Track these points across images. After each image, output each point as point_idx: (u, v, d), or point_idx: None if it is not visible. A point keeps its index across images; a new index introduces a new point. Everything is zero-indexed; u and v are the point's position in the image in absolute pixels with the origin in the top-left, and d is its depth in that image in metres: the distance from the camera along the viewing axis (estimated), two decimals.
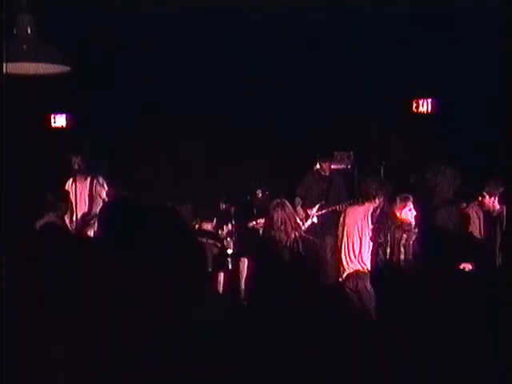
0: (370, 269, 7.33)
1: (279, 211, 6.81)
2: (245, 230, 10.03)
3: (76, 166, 8.71)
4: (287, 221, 6.75)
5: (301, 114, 11.05)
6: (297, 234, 6.72)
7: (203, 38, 10.06)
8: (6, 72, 5.22)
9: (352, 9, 9.04)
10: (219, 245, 9.83)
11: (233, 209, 10.32)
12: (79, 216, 8.58)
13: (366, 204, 7.92)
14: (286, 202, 7.05)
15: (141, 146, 11.22)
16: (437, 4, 8.78)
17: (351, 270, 7.64)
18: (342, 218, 8.09)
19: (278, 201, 7.02)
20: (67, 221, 8.59)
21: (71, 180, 8.79)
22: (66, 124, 11.66)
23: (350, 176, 10.61)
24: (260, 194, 10.52)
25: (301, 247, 6.58)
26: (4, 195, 3.81)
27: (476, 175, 9.20)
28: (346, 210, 8.28)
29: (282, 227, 6.69)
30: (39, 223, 8.18)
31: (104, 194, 8.81)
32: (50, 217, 8.23)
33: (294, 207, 9.70)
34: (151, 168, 11.16)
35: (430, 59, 10.22)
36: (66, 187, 8.84)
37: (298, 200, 10.04)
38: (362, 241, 7.63)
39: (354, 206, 8.20)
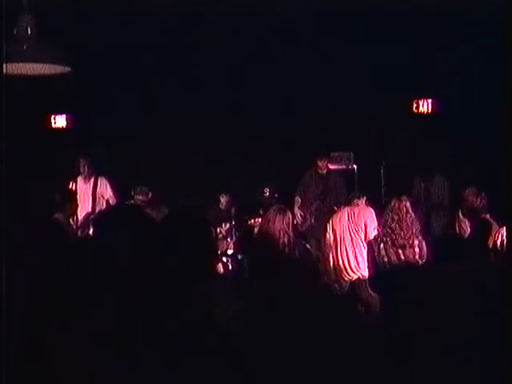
0: (367, 274, 7.40)
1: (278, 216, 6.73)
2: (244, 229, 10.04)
3: (84, 169, 8.78)
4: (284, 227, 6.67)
5: (302, 114, 11.05)
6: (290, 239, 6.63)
7: (204, 39, 10.05)
8: (6, 72, 5.22)
9: (352, 9, 9.04)
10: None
11: (233, 209, 10.31)
12: (82, 216, 8.60)
13: (356, 207, 7.98)
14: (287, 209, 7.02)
15: (141, 146, 11.22)
16: (437, 4, 8.77)
17: (353, 278, 7.70)
18: (329, 226, 8.14)
19: (280, 206, 6.99)
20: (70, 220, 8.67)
21: (75, 180, 8.84)
22: (67, 124, 11.65)
23: (350, 176, 10.62)
24: (267, 193, 10.52)
25: (296, 252, 6.55)
26: (4, 195, 3.80)
27: (476, 175, 9.21)
28: (333, 217, 8.31)
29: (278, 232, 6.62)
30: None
31: (107, 195, 8.85)
32: (58, 218, 8.29)
33: (293, 207, 9.77)
34: (152, 168, 11.14)
35: (430, 59, 10.22)
36: (70, 187, 8.89)
37: (297, 200, 10.05)
38: (358, 246, 7.71)
39: (341, 210, 8.26)
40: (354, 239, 7.86)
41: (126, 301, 2.54)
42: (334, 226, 8.06)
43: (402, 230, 6.72)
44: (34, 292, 3.12)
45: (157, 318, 2.52)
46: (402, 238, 6.68)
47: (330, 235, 8.07)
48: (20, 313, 2.85)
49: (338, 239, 7.98)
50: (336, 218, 8.17)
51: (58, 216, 8.44)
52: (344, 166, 10.80)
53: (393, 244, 6.73)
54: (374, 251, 6.92)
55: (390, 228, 6.76)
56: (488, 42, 8.17)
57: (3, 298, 2.88)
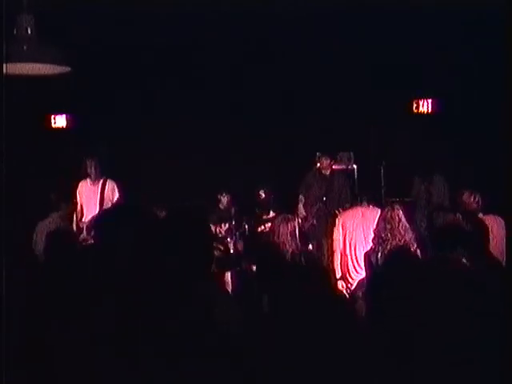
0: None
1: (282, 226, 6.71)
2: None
3: (91, 169, 8.78)
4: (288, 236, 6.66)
5: (302, 114, 11.05)
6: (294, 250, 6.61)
7: (204, 39, 10.05)
8: (6, 72, 5.22)
9: (352, 9, 9.03)
10: (222, 247, 9.79)
11: (233, 209, 10.31)
12: (88, 219, 8.59)
13: (367, 208, 7.95)
14: (292, 219, 7.00)
15: (141, 146, 11.22)
16: (437, 4, 8.77)
17: (362, 275, 7.65)
18: (339, 223, 8.10)
19: (285, 216, 6.98)
20: (75, 224, 8.69)
21: (82, 183, 8.86)
22: (67, 124, 11.66)
23: (350, 176, 10.61)
24: (263, 195, 10.54)
25: (302, 259, 6.53)
26: (4, 195, 3.80)
27: (476, 175, 9.21)
28: (342, 214, 8.29)
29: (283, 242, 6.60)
30: (44, 224, 8.27)
31: (114, 198, 8.86)
32: (54, 217, 8.32)
33: (294, 209, 9.77)
34: (152, 168, 11.15)
35: (430, 59, 10.22)
36: (78, 190, 8.91)
37: (301, 198, 10.04)
38: (365, 246, 7.64)
39: (353, 209, 8.22)
40: (366, 238, 7.74)
41: (126, 301, 2.54)
42: (345, 224, 7.96)
43: (394, 239, 6.68)
44: (33, 292, 3.13)
45: (157, 317, 2.52)
46: (393, 248, 6.63)
47: (339, 232, 7.98)
48: (20, 313, 2.85)
49: (349, 237, 7.89)
50: (347, 216, 8.07)
51: (54, 215, 8.50)
52: (344, 166, 10.80)
53: (381, 254, 6.70)
54: (370, 260, 6.91)
55: (381, 238, 6.73)
56: (488, 42, 8.18)
57: (3, 298, 2.88)
